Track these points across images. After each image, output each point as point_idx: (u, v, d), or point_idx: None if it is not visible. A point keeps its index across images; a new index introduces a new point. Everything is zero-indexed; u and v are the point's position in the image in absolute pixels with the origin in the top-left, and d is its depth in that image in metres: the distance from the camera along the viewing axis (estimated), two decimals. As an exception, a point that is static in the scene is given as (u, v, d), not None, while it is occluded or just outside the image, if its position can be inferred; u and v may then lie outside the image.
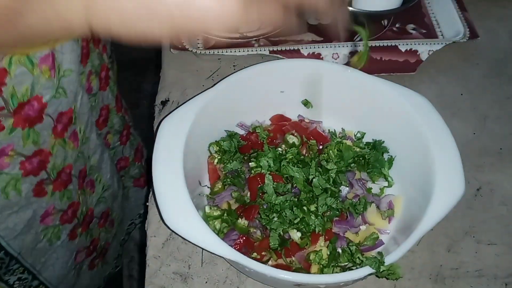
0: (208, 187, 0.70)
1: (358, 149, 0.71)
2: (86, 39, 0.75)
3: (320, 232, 0.63)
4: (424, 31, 0.92)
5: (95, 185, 0.95)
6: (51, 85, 0.67)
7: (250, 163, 0.68)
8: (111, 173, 0.98)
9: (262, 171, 0.66)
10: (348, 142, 0.72)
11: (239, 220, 0.65)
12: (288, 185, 0.66)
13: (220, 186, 0.69)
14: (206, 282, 0.65)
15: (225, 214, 0.65)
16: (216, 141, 0.71)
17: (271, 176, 0.65)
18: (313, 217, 0.63)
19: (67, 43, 0.68)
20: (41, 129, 0.69)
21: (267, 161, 0.66)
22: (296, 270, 0.62)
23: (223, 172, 0.69)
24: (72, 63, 0.70)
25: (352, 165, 0.69)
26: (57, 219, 0.84)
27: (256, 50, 0.86)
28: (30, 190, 0.74)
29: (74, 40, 0.69)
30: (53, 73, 0.65)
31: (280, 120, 0.74)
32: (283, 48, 0.86)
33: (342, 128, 0.75)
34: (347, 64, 0.85)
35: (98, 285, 1.19)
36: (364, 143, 0.73)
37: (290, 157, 0.67)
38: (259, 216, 0.64)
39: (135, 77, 1.90)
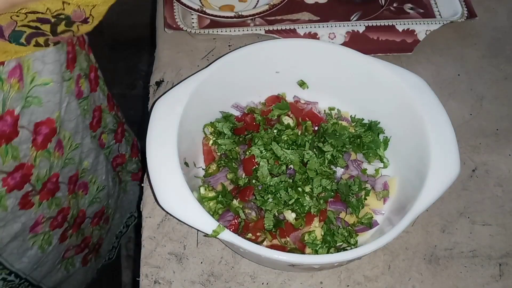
0: (203, 169, 0.70)
1: (353, 130, 0.71)
2: (71, 43, 0.73)
3: (314, 213, 0.63)
4: (422, 10, 0.91)
5: (88, 187, 0.94)
6: (21, 96, 0.65)
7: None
8: (106, 174, 0.97)
9: (256, 159, 0.66)
10: (344, 123, 0.72)
11: (234, 201, 0.64)
12: (283, 166, 0.65)
13: (214, 168, 0.68)
14: (201, 263, 0.66)
15: (220, 196, 0.65)
16: (211, 122, 0.71)
17: (265, 158, 0.65)
18: (307, 198, 0.63)
19: (51, 52, 0.66)
20: (19, 143, 0.68)
21: (259, 149, 0.65)
22: (291, 251, 0.62)
23: (218, 154, 0.69)
24: (54, 73, 0.68)
25: (347, 146, 0.69)
26: (47, 226, 0.83)
27: (252, 30, 0.85)
28: (16, 204, 0.73)
29: (58, 47, 0.68)
30: (21, 84, 0.64)
31: (275, 101, 0.74)
32: (279, 28, 0.85)
33: (337, 109, 0.75)
34: (344, 44, 0.84)
35: (91, 277, 1.18)
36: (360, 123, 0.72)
37: (285, 138, 0.67)
38: (254, 197, 0.64)
39: (131, 58, 1.89)
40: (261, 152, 0.65)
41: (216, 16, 0.84)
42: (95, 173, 0.94)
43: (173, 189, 0.58)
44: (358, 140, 0.70)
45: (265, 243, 0.63)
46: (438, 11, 0.91)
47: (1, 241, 0.75)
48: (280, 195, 0.63)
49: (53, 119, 0.72)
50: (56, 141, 0.75)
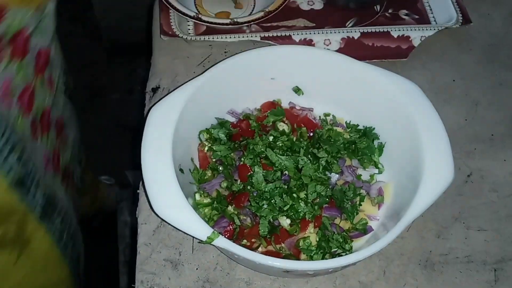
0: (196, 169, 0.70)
1: (348, 136, 0.71)
2: None
3: (309, 219, 0.63)
4: (417, 16, 0.91)
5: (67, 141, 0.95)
6: (36, 19, 0.68)
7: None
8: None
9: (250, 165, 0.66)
10: (339, 129, 0.72)
11: (229, 208, 0.65)
12: (278, 172, 0.66)
13: (209, 174, 0.69)
14: (197, 269, 0.66)
15: (215, 202, 0.65)
16: (206, 128, 0.71)
17: (260, 164, 0.65)
18: (302, 204, 0.63)
19: None
20: (27, 64, 0.69)
21: (251, 159, 0.66)
22: (286, 257, 0.62)
23: (213, 160, 0.69)
24: (52, 7, 0.72)
25: (342, 152, 0.69)
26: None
27: (248, 36, 0.85)
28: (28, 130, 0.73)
29: None
30: (40, 8, 0.68)
31: (270, 108, 0.74)
32: (275, 34, 0.85)
33: (332, 115, 0.75)
34: (339, 50, 0.84)
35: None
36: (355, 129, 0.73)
37: (280, 144, 0.67)
38: (249, 203, 0.64)
39: (129, 63, 1.89)
40: (253, 162, 0.66)
41: (212, 23, 0.85)
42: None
43: (168, 196, 0.58)
44: (353, 146, 0.70)
45: (260, 249, 0.63)
46: (433, 17, 0.91)
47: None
48: (275, 201, 0.63)
49: (48, 50, 0.74)
50: (48, 74, 0.76)
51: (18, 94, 0.70)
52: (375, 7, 0.92)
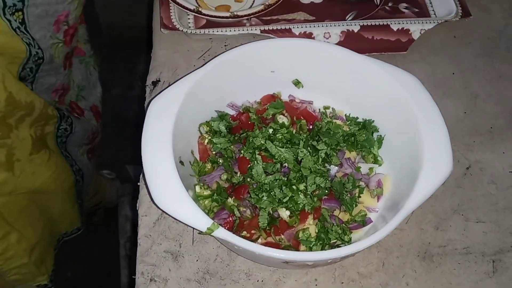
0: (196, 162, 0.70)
1: (348, 129, 0.71)
2: None
3: (309, 211, 0.64)
4: (417, 10, 0.91)
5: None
6: None
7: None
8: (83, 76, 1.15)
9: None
10: (339, 122, 0.72)
11: (229, 200, 0.65)
12: (277, 164, 0.66)
13: (209, 167, 0.69)
14: (197, 260, 0.66)
15: (215, 194, 0.66)
16: (206, 121, 0.71)
17: (260, 156, 0.66)
18: (302, 196, 0.63)
19: None
20: (81, 4, 0.88)
21: (250, 153, 0.66)
22: (285, 248, 0.63)
23: (213, 152, 0.70)
24: None
25: (341, 144, 0.69)
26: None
27: (248, 30, 0.85)
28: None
29: None
30: None
31: (270, 100, 0.74)
32: (275, 28, 0.85)
33: (332, 108, 0.75)
34: (339, 43, 0.84)
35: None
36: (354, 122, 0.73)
37: (280, 137, 0.68)
38: (248, 195, 0.65)
39: (130, 59, 1.90)
40: (253, 154, 0.66)
41: (212, 16, 0.85)
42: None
43: (168, 188, 0.58)
44: (352, 138, 0.71)
45: (259, 240, 0.64)
46: (433, 10, 0.91)
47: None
48: (275, 193, 0.64)
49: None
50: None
51: (67, 27, 0.89)
52: (375, 0, 0.92)
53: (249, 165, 0.66)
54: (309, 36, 0.85)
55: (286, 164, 0.66)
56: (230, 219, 0.64)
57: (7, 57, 0.82)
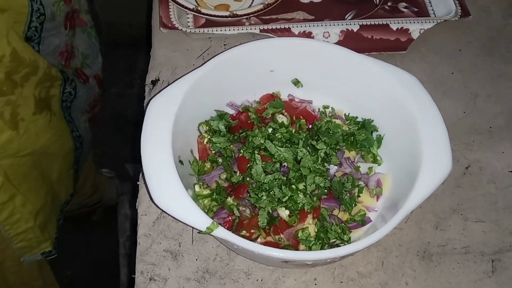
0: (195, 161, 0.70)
1: (347, 128, 0.71)
2: None
3: (308, 210, 0.64)
4: (416, 9, 0.91)
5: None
6: None
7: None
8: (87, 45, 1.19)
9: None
10: (338, 121, 0.72)
11: (229, 199, 0.65)
12: (277, 164, 0.66)
13: (209, 166, 0.69)
14: (197, 260, 0.66)
15: (215, 193, 0.66)
16: (206, 120, 0.71)
17: (259, 156, 0.66)
18: (301, 195, 0.64)
19: None
20: None
21: (250, 152, 0.66)
22: (285, 247, 0.63)
23: (212, 152, 0.70)
24: None
25: (341, 143, 0.69)
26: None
27: (247, 29, 0.85)
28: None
29: None
30: None
31: (269, 100, 0.74)
32: (274, 27, 0.85)
33: (331, 107, 0.75)
34: (338, 43, 0.84)
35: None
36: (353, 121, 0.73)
37: (279, 136, 0.68)
38: (248, 195, 0.65)
39: (130, 57, 1.89)
40: (252, 154, 0.66)
41: (211, 15, 0.85)
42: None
43: (167, 187, 0.58)
44: (352, 138, 0.71)
45: (259, 240, 0.64)
46: (432, 10, 0.91)
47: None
48: (274, 192, 0.64)
49: None
50: None
51: None
52: (374, 0, 0.92)
53: (248, 165, 0.66)
54: (308, 35, 0.85)
55: (285, 164, 0.67)
56: (230, 218, 0.64)
57: (12, 14, 0.85)
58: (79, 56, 1.17)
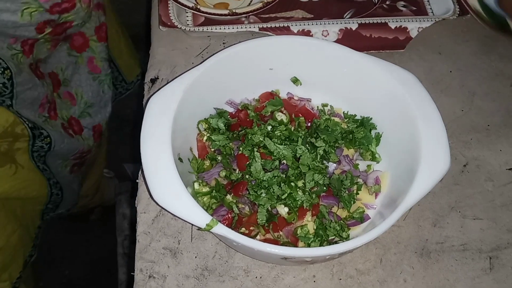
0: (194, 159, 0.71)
1: (346, 126, 0.71)
2: None
3: (307, 208, 0.64)
4: (414, 8, 0.92)
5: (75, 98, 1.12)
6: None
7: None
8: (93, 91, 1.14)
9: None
10: (337, 119, 0.73)
11: (228, 196, 0.65)
12: (276, 161, 0.66)
13: (208, 164, 0.69)
14: (196, 257, 0.66)
15: (214, 191, 0.66)
16: (205, 118, 0.71)
17: (259, 153, 0.66)
18: (300, 192, 0.64)
19: None
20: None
21: (249, 150, 0.67)
22: (284, 244, 0.63)
23: (212, 149, 0.70)
24: None
25: (340, 141, 0.70)
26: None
27: (246, 27, 0.85)
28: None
29: None
30: None
31: (269, 98, 0.74)
32: (273, 25, 0.86)
33: (330, 105, 0.75)
34: (337, 41, 0.85)
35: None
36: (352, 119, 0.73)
37: (279, 134, 0.68)
38: (247, 192, 0.65)
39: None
40: (251, 153, 0.66)
41: (210, 13, 0.85)
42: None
43: (167, 185, 0.58)
44: (351, 135, 0.71)
45: (258, 237, 0.64)
46: (431, 8, 0.92)
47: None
48: (273, 190, 0.64)
49: None
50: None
51: (25, 38, 0.87)
52: (373, -2, 0.93)
53: (247, 162, 0.66)
54: (307, 34, 0.85)
55: (284, 161, 0.67)
56: (229, 215, 0.64)
57: None
58: (80, 105, 1.12)
